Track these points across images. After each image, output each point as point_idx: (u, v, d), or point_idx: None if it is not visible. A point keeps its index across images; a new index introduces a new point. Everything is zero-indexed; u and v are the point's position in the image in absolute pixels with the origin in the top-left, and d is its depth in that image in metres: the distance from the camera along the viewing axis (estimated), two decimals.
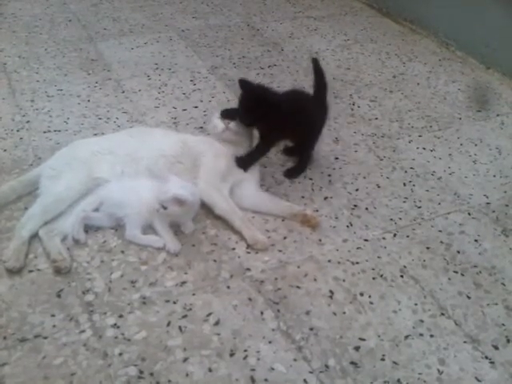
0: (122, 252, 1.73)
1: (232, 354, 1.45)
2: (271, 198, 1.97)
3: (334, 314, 1.59)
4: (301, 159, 2.16)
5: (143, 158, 1.90)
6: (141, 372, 1.39)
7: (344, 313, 1.59)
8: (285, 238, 1.84)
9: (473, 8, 3.08)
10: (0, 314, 1.51)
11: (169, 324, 1.52)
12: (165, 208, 1.71)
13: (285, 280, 1.68)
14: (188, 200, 1.71)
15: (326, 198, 2.04)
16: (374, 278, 1.71)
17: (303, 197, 2.04)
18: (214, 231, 1.84)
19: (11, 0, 3.54)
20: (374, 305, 1.63)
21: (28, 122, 2.34)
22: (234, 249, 1.78)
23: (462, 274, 1.76)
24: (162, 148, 1.93)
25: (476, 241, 1.90)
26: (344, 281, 1.70)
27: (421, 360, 1.48)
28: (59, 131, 2.29)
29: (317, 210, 1.97)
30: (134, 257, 1.72)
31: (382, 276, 1.73)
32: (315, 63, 2.11)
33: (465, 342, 1.54)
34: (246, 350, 1.46)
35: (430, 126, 2.55)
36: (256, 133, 2.05)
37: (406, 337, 1.54)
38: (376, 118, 2.57)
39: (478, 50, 3.13)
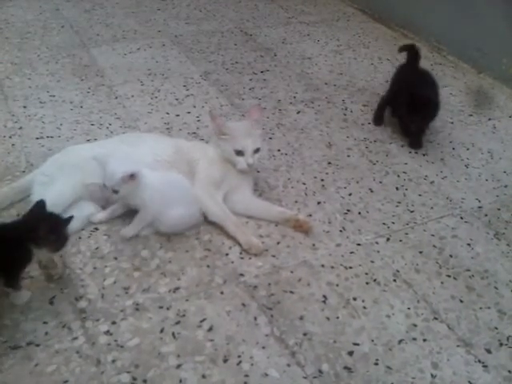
0: (115, 258, 1.73)
1: (225, 360, 1.45)
2: (264, 203, 1.97)
3: (328, 318, 1.59)
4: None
5: (137, 162, 1.88)
6: (134, 379, 1.38)
7: (337, 318, 1.59)
8: (278, 243, 1.84)
9: (464, 13, 3.11)
10: None
11: (162, 330, 1.51)
12: (116, 192, 1.68)
13: (278, 285, 1.68)
14: (135, 172, 1.70)
15: (319, 203, 2.04)
16: (367, 283, 1.72)
17: (296, 201, 2.04)
18: (207, 237, 1.84)
19: (3, 6, 3.54)
20: (368, 309, 1.63)
21: (20, 128, 2.34)
22: (227, 254, 1.78)
23: (455, 278, 1.77)
24: (156, 153, 1.93)
25: (468, 245, 1.91)
26: (337, 285, 1.70)
27: (414, 364, 1.48)
28: (52, 137, 2.29)
29: (310, 215, 1.97)
30: (127, 263, 1.71)
31: (375, 280, 1.73)
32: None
33: (458, 345, 1.54)
34: (239, 356, 1.46)
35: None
36: None
37: (400, 341, 1.54)
38: (369, 123, 2.58)
39: (469, 54, 3.15)
